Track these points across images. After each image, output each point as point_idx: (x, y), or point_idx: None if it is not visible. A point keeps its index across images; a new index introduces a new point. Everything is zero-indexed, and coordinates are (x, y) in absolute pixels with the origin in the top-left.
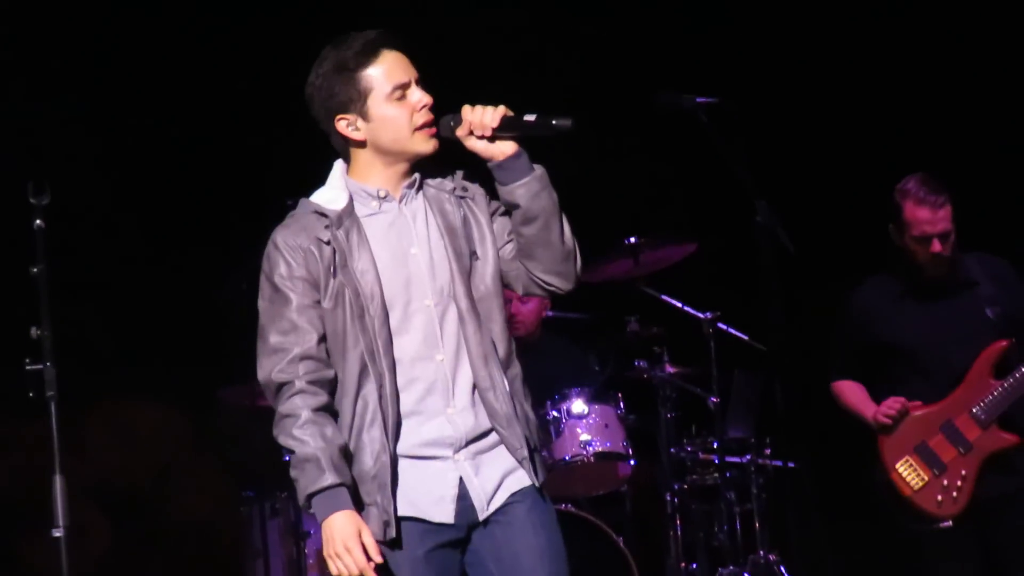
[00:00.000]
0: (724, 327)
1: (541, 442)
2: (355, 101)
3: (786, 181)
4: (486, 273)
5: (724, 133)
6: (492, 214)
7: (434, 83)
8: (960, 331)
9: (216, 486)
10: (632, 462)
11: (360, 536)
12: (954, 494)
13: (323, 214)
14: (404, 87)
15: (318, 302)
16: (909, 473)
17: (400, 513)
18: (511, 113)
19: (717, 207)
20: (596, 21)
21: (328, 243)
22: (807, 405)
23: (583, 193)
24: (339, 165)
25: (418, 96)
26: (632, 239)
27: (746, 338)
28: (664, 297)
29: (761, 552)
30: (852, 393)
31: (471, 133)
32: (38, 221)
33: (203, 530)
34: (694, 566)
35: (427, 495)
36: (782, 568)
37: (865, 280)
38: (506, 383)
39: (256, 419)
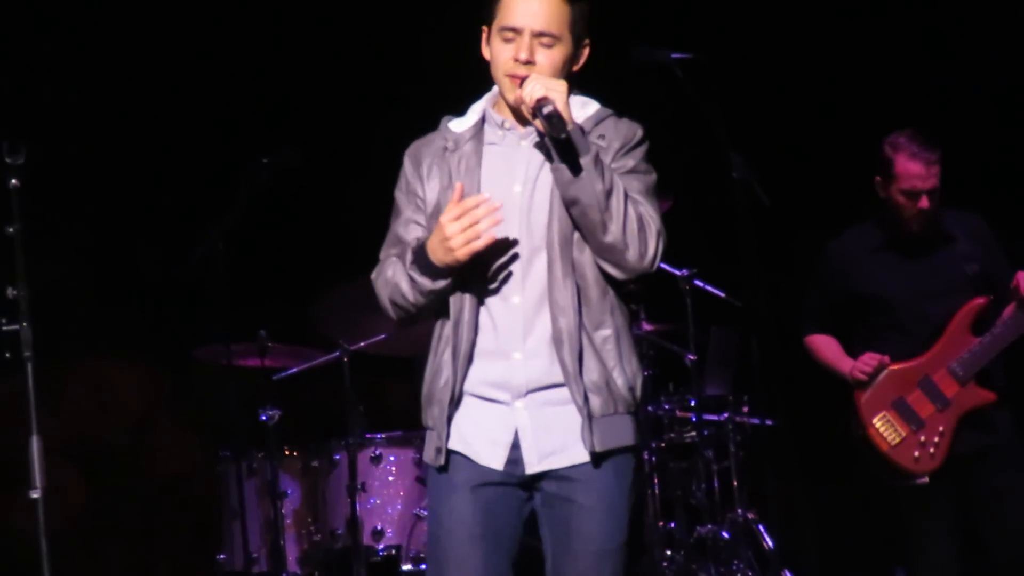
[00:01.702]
0: (701, 284)
1: (629, 407)
2: (490, 20)
3: (762, 136)
4: None
5: (700, 88)
6: (614, 171)
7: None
8: (938, 286)
9: (192, 445)
10: None
11: (447, 226)
12: (931, 450)
13: (446, 136)
14: (514, 31)
15: (425, 218)
16: (886, 428)
17: (452, 446)
18: (552, 107)
19: (693, 163)
20: None
21: (440, 165)
22: (784, 362)
23: None
24: (495, 88)
25: (518, 47)
26: None
27: (723, 295)
28: None
29: (739, 510)
30: (827, 347)
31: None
32: (13, 180)
33: (180, 490)
34: (672, 524)
35: (482, 436)
36: (760, 526)
37: (845, 232)
38: (583, 339)
39: (233, 378)
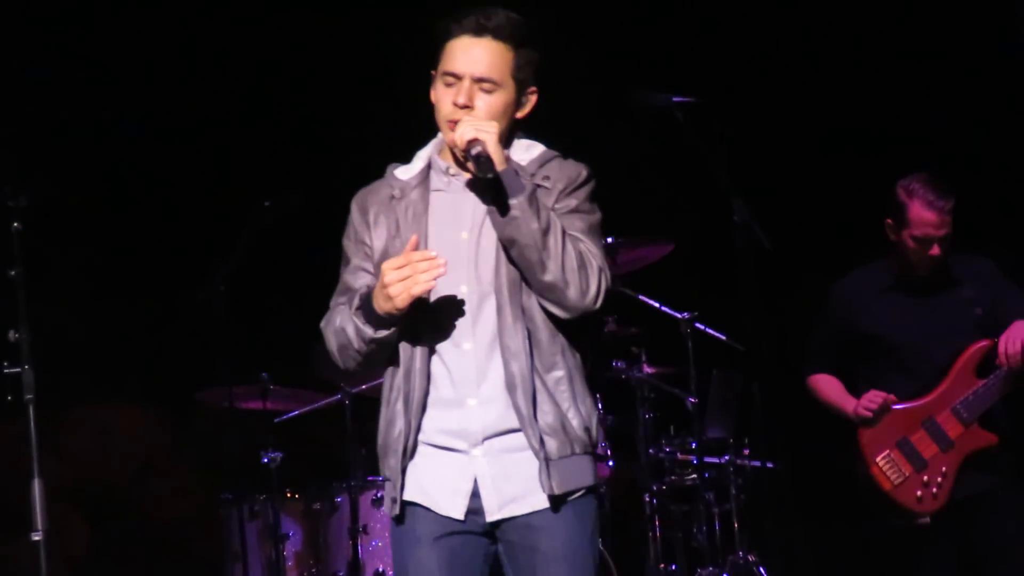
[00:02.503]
0: (702, 327)
1: (586, 448)
2: (434, 65)
3: (763, 180)
4: None
5: (700, 132)
6: (556, 211)
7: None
8: (944, 328)
9: (194, 488)
10: (611, 463)
11: (387, 273)
12: (934, 490)
13: (393, 183)
14: (455, 76)
15: (373, 266)
16: (890, 468)
17: (411, 498)
18: (480, 148)
19: (694, 206)
20: (571, 18)
21: (387, 213)
22: (785, 405)
23: None
24: (440, 135)
25: (458, 93)
26: (609, 239)
27: (724, 338)
28: (641, 297)
29: (740, 552)
30: (830, 387)
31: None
32: (15, 224)
33: (181, 532)
34: (673, 567)
35: (440, 486)
36: (761, 568)
37: (851, 272)
38: (536, 382)
39: (235, 421)
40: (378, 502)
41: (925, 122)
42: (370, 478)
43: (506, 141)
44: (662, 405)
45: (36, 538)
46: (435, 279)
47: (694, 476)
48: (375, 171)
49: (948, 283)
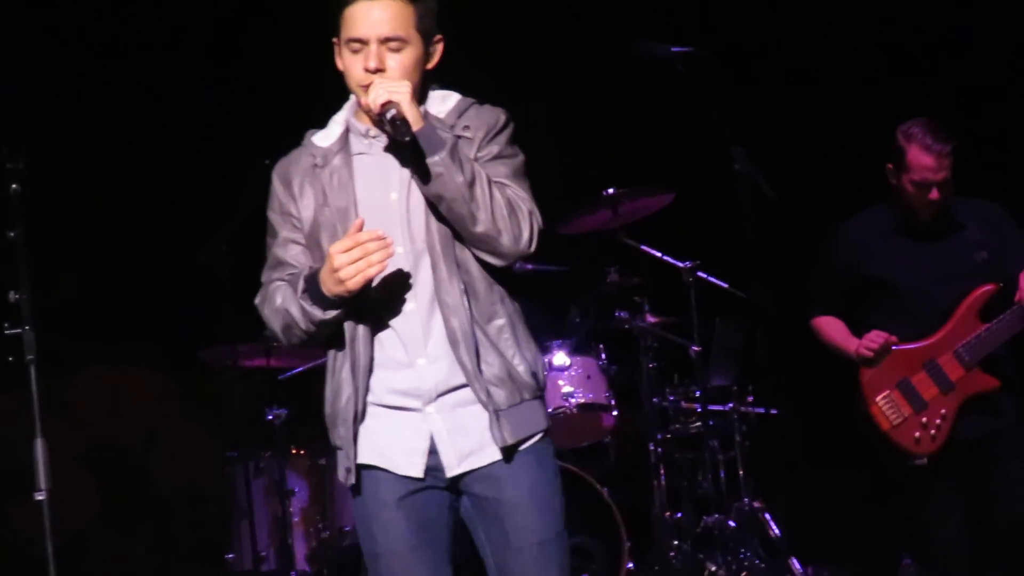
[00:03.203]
0: (704, 275)
1: (535, 393)
2: (337, 33)
3: (764, 128)
4: None
5: (701, 82)
6: (479, 159)
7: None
8: (947, 271)
9: (201, 447)
10: (615, 413)
11: (336, 257)
12: (932, 432)
13: (313, 151)
14: (360, 41)
15: (303, 236)
16: (889, 408)
17: (368, 461)
18: (395, 111)
19: (695, 156)
20: None
21: (311, 182)
22: (789, 352)
23: (561, 145)
24: (353, 98)
25: (367, 57)
26: (611, 190)
27: (727, 286)
28: (644, 247)
29: (745, 500)
30: (833, 328)
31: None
32: (14, 185)
33: (189, 491)
34: (679, 515)
35: (396, 445)
36: (766, 515)
37: (856, 214)
38: (478, 335)
39: (239, 379)
40: None
41: (927, 66)
42: None
43: (421, 94)
44: (665, 354)
45: (40, 497)
46: (386, 259)
47: (698, 424)
48: None
49: (953, 226)
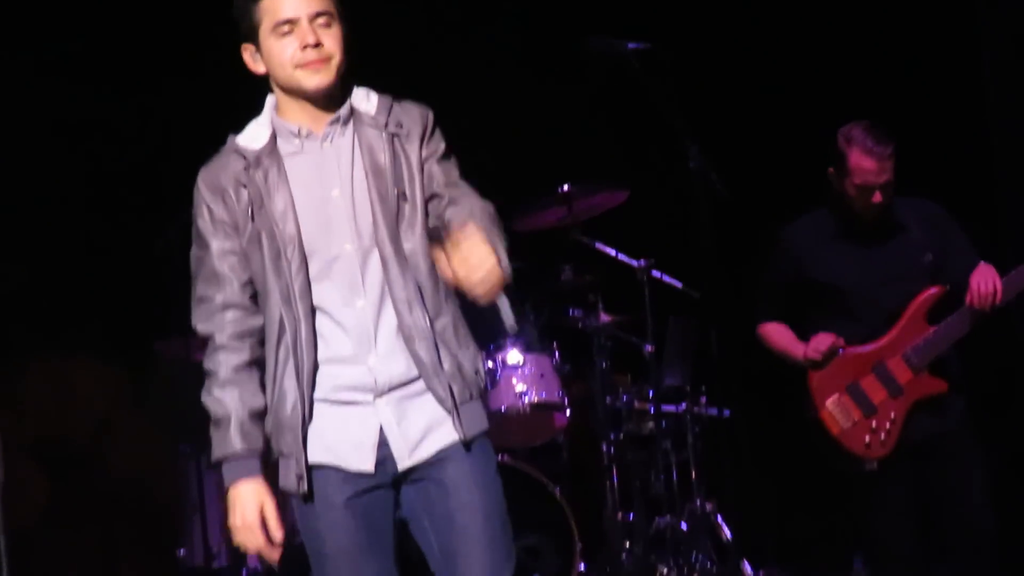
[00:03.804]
0: (658, 274)
1: (479, 392)
2: (253, 32)
3: (718, 126)
4: (414, 216)
5: (656, 79)
6: (426, 159)
7: (366, 33)
8: (893, 274)
9: (153, 440)
10: (567, 412)
11: (262, 510)
12: (882, 436)
13: (242, 154)
14: (290, 22)
15: (240, 245)
16: (839, 412)
17: (317, 460)
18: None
19: (651, 153)
20: None
21: (245, 185)
22: (742, 353)
23: (515, 141)
24: (270, 99)
25: (303, 33)
26: (565, 186)
27: (680, 285)
28: (598, 245)
29: (697, 501)
30: (779, 334)
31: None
32: None
33: (140, 484)
34: (631, 516)
35: (345, 441)
36: (718, 517)
37: (799, 218)
38: (433, 330)
39: (193, 372)
40: None
41: (881, 66)
42: None
43: (344, 88)
44: (618, 353)
45: None
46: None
47: (651, 424)
48: None
49: (896, 228)
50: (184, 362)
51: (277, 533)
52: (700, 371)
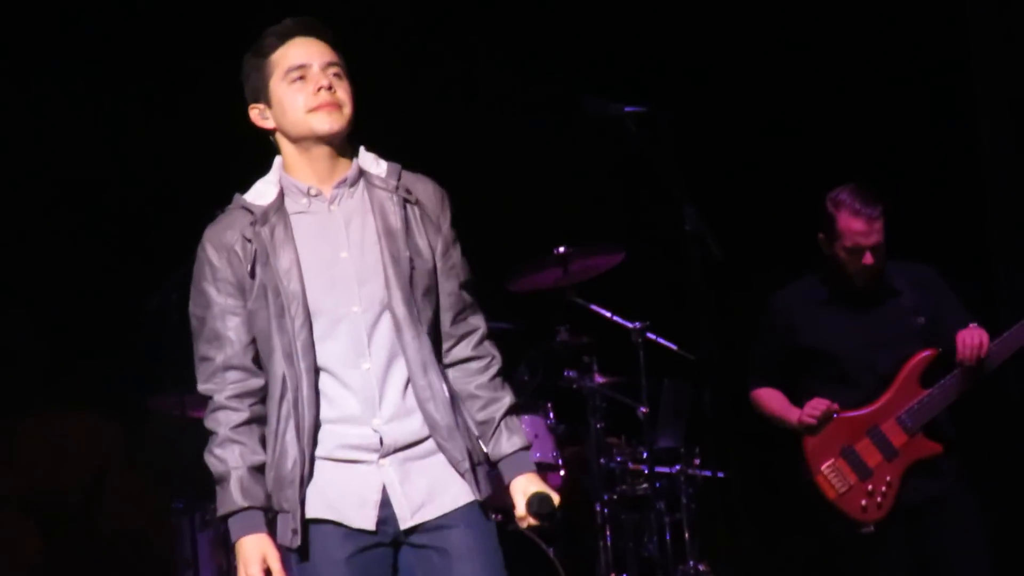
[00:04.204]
0: (653, 337)
1: (486, 457)
2: (262, 87)
3: (715, 189)
4: (425, 280)
5: (652, 141)
6: (443, 239)
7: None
8: (885, 338)
9: (147, 497)
10: (562, 472)
11: (265, 560)
12: (878, 499)
13: (249, 210)
14: (302, 68)
15: (244, 305)
16: (834, 476)
17: (319, 515)
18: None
19: (646, 215)
20: (524, 26)
21: (250, 240)
22: (736, 415)
23: (512, 202)
24: (278, 159)
25: (316, 78)
26: (561, 248)
27: (675, 348)
28: (593, 306)
29: (691, 562)
30: (773, 400)
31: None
32: None
33: (134, 541)
34: None
35: (348, 498)
36: None
37: (789, 285)
38: (446, 392)
39: (187, 429)
40: None
41: (878, 128)
42: None
43: (354, 148)
44: (613, 414)
45: None
46: None
47: (645, 486)
48: None
49: (888, 292)
50: (178, 419)
51: None
52: (694, 432)
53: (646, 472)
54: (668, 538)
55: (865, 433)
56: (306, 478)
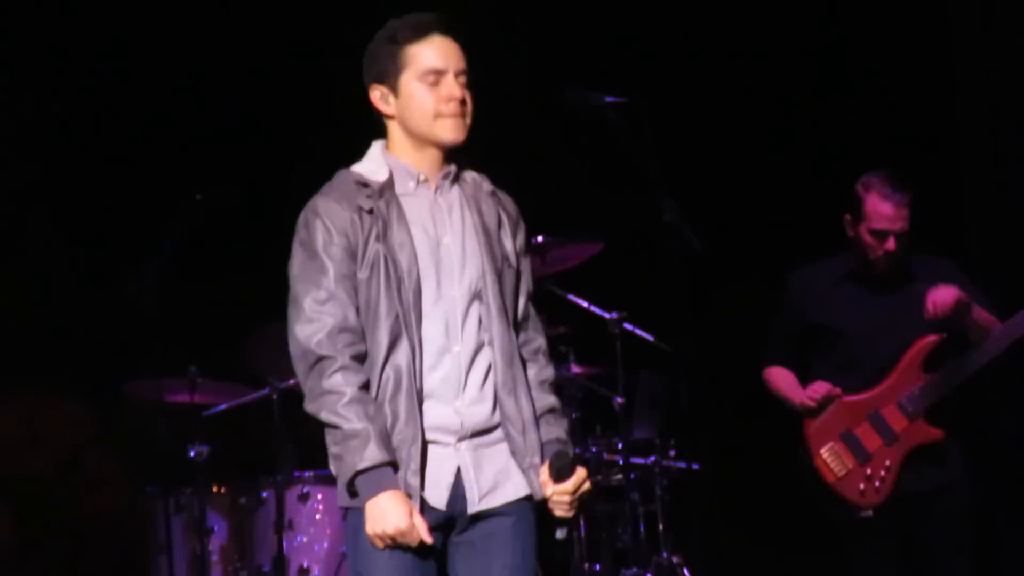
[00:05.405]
0: (630, 327)
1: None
2: (391, 74)
3: (695, 181)
4: (512, 279)
5: (632, 132)
6: (523, 256)
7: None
8: (894, 323)
9: (121, 481)
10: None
11: (412, 517)
12: (877, 484)
13: (364, 184)
14: (439, 72)
15: (355, 273)
16: (833, 460)
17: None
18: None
19: (624, 206)
20: (504, 17)
21: (371, 212)
22: (712, 407)
23: None
24: (378, 143)
25: (450, 87)
26: (539, 238)
27: (652, 339)
28: (570, 296)
29: (664, 553)
30: (782, 379)
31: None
32: None
33: (107, 525)
34: (597, 567)
35: (426, 477)
36: (685, 570)
37: (809, 264)
38: (528, 386)
39: (162, 414)
40: (304, 497)
41: (859, 122)
42: (296, 473)
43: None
44: (589, 405)
45: None
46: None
47: (620, 476)
48: (311, 170)
49: (905, 279)
50: (153, 404)
51: (428, 537)
52: (670, 424)
53: (621, 463)
54: (642, 529)
55: (866, 417)
56: (410, 445)
